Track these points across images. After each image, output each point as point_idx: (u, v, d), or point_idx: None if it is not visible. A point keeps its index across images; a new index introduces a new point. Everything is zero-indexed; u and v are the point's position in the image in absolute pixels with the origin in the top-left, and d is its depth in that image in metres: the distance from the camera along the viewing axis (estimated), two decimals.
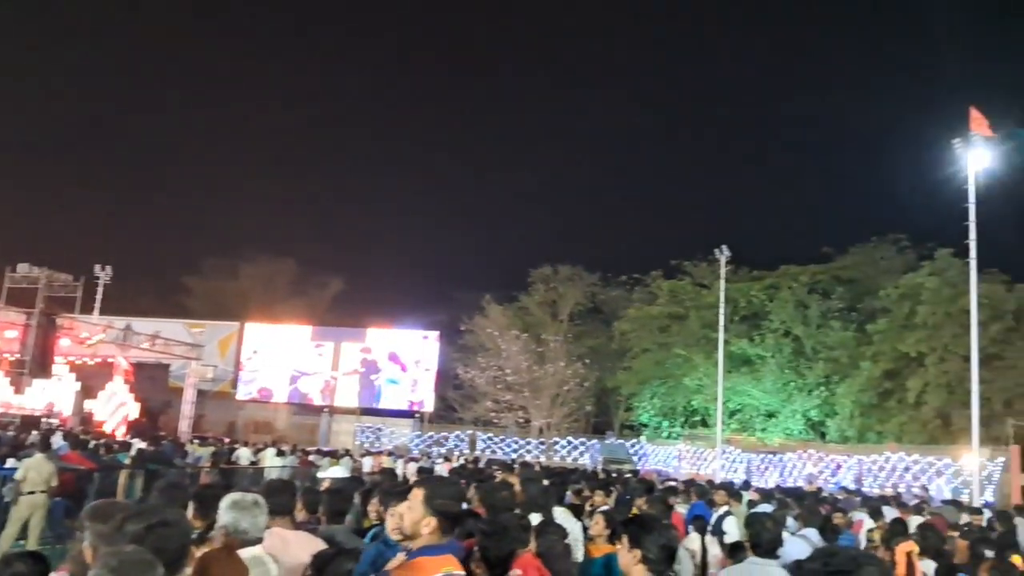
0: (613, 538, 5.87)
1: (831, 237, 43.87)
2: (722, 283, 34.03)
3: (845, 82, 78.79)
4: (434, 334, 45.83)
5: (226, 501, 4.13)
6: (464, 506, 6.95)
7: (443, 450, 38.50)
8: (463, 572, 3.51)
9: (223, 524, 4.04)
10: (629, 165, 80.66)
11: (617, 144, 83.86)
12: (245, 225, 73.32)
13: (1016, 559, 6.14)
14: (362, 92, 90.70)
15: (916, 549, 7.67)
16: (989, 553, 6.86)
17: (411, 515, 3.48)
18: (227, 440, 30.53)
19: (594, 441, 42.65)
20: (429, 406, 45.03)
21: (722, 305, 33.90)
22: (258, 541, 4.09)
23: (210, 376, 40.57)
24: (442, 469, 20.29)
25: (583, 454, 41.51)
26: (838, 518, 10.07)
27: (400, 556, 3.50)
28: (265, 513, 4.18)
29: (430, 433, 43.70)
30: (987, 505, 22.04)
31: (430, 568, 3.34)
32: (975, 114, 23.52)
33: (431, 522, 3.44)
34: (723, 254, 33.67)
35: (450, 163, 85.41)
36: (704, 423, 43.16)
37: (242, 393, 45.64)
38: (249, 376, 45.71)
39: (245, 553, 3.97)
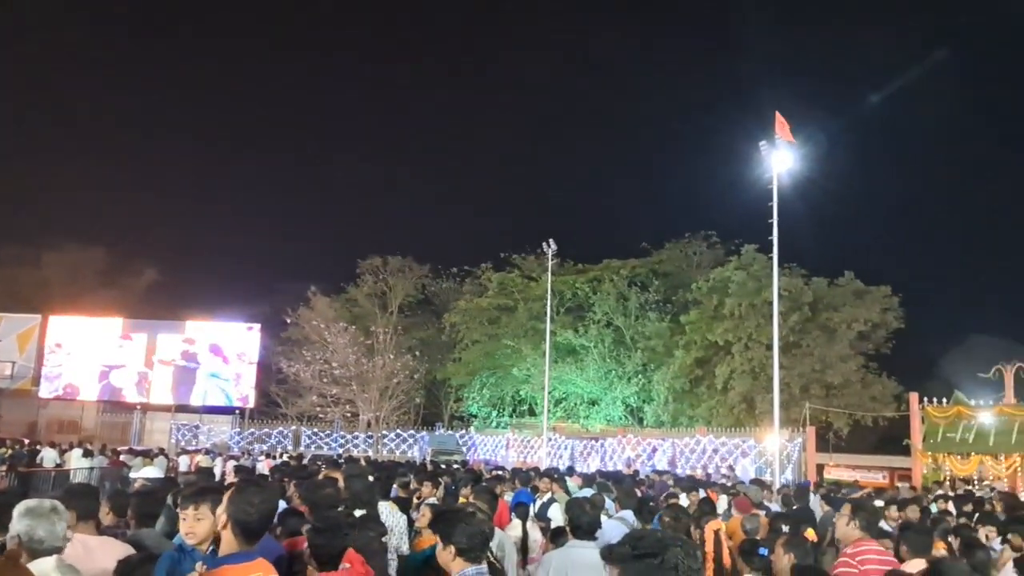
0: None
1: (649, 233, 45.99)
2: (549, 276, 34.82)
3: (665, 87, 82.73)
4: (257, 327, 44.24)
5: (19, 508, 3.81)
6: (284, 504, 6.73)
7: (265, 447, 37.25)
8: (276, 575, 3.40)
9: (15, 533, 3.72)
10: (462, 157, 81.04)
11: (450, 136, 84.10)
12: (48, 211, 67.76)
13: (809, 533, 6.61)
14: (177, 75, 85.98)
15: (723, 527, 8.14)
16: (787, 528, 7.37)
17: (205, 522, 3.31)
18: (27, 441, 28.27)
19: (423, 433, 42.62)
20: (251, 401, 43.45)
21: (549, 297, 34.72)
22: (57, 550, 3.77)
23: (7, 373, 37.31)
24: (263, 467, 19.62)
25: (412, 447, 41.39)
26: (673, 500, 10.45)
27: (199, 566, 3.30)
28: (64, 519, 3.86)
29: (251, 430, 42.22)
30: (786, 483, 23.84)
31: None
32: (779, 119, 25.07)
33: (227, 529, 3.31)
34: (550, 248, 34.42)
35: (276, 149, 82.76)
36: (531, 412, 44.14)
37: (45, 391, 42.33)
38: (53, 372, 42.45)
39: (40, 564, 3.64)
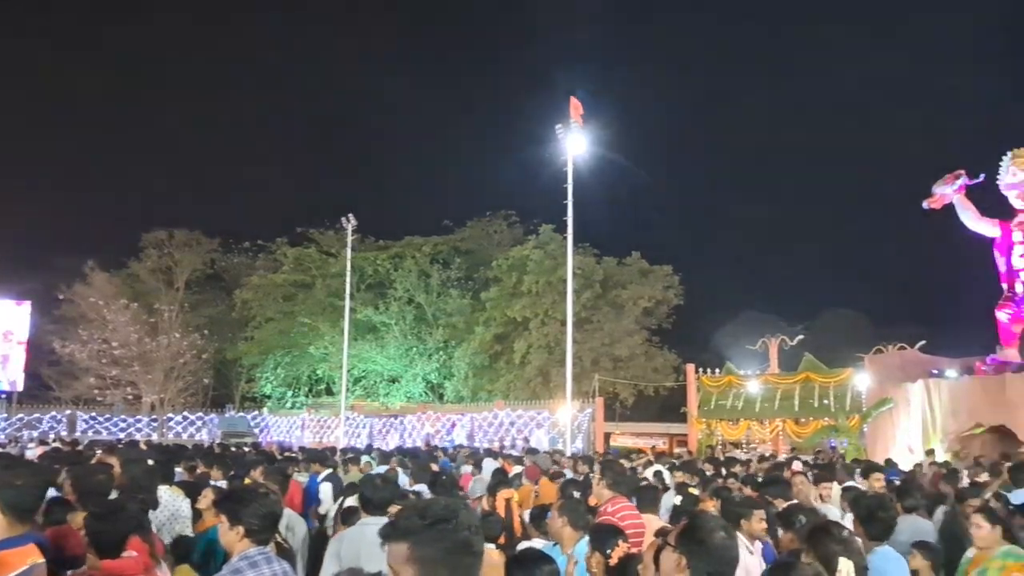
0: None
1: (452, 211, 46.22)
2: (348, 251, 34.23)
3: (468, 68, 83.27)
4: (27, 304, 40.44)
5: None
6: (55, 492, 6.18)
7: (36, 433, 34.22)
8: (44, 561, 3.28)
9: None
10: (257, 132, 77.55)
11: (242, 104, 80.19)
12: None
13: (592, 499, 6.89)
14: None
15: (515, 496, 8.37)
16: (578, 494, 7.68)
17: None
18: None
19: (212, 416, 40.79)
20: (20, 385, 39.72)
21: (348, 273, 34.15)
22: None
23: None
24: (34, 454, 17.97)
25: (200, 430, 39.53)
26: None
27: None
28: None
29: (20, 415, 38.65)
30: (577, 451, 24.93)
31: (15, 562, 3.14)
32: (574, 103, 25.86)
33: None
34: (350, 223, 33.80)
35: (46, 111, 75.42)
36: (329, 391, 43.38)
37: None
38: None
39: None
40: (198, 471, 9.97)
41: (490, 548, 5.70)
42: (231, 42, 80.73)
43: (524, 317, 36.95)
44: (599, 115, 28.39)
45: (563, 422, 27.03)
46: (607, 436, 36.36)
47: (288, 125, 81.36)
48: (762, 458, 18.99)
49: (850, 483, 9.88)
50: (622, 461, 13.49)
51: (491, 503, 7.90)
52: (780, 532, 6.31)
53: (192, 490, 7.51)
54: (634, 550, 4.44)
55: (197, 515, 6.62)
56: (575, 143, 25.45)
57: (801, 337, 25.83)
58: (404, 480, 9.41)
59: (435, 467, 12.03)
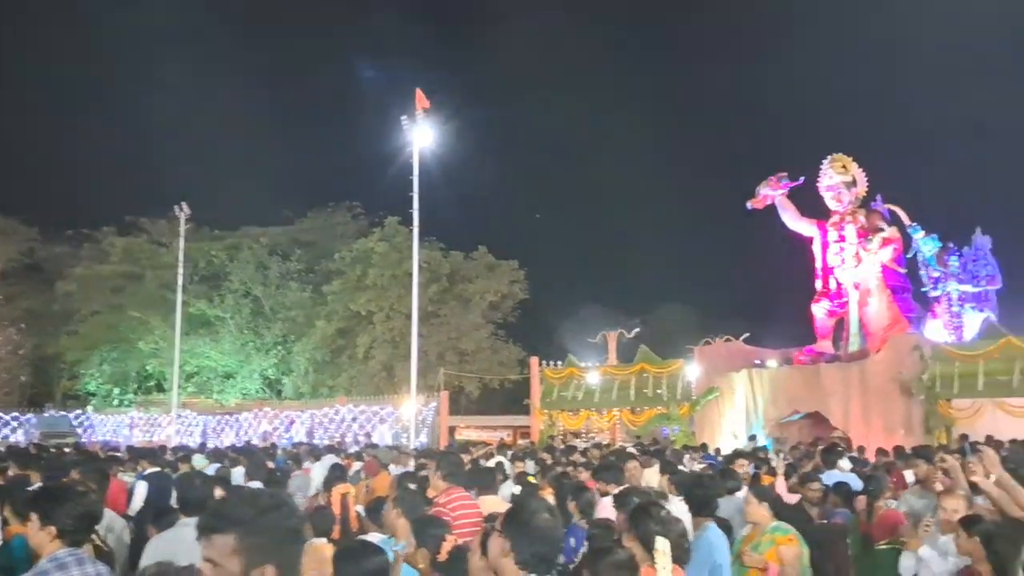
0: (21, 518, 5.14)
1: (292, 201, 44.87)
2: (181, 241, 32.54)
3: (311, 55, 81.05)
4: None
5: None
6: None
7: None
8: None
9: None
10: (82, 105, 72.33)
11: (62, 86, 74.63)
12: None
13: (430, 491, 6.90)
14: None
15: (352, 491, 8.21)
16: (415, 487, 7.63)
17: None
18: None
19: (30, 416, 37.87)
20: None
21: (181, 264, 32.47)
22: None
23: None
24: None
25: (16, 430, 36.60)
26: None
27: None
28: None
29: None
30: (421, 446, 24.84)
31: None
32: (420, 95, 25.67)
33: None
34: (183, 211, 32.17)
35: None
36: (160, 388, 41.27)
37: None
38: None
39: None
40: (9, 473, 9.23)
41: (322, 542, 5.55)
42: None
43: (368, 311, 36.45)
44: (446, 107, 28.33)
45: (407, 417, 26.87)
46: (452, 430, 36.43)
47: (118, 105, 76.50)
48: (598, 446, 19.63)
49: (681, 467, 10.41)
50: (462, 454, 13.57)
51: (326, 498, 7.72)
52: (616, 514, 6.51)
53: (4, 493, 6.91)
54: (467, 540, 4.43)
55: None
56: (421, 135, 25.30)
57: (637, 330, 26.87)
58: (239, 478, 9.04)
59: (271, 464, 11.64)
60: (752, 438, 18.40)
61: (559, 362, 25.40)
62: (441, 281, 36.39)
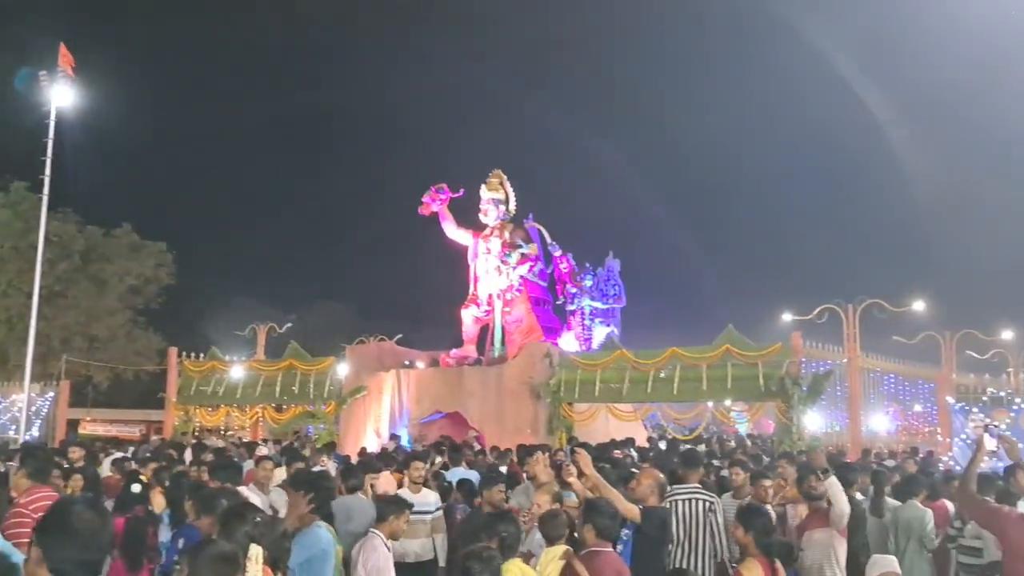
0: None
1: None
2: None
3: None
4: None
5: None
6: None
7: None
8: None
9: None
10: None
11: None
12: None
13: (13, 491, 6.19)
14: None
15: None
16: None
17: None
18: None
19: None
20: None
21: None
22: None
23: None
24: None
25: None
26: None
27: None
28: None
29: None
30: (31, 439, 22.08)
31: None
32: (64, 51, 23.05)
33: None
34: None
35: None
36: None
37: None
38: None
39: None
40: None
41: None
42: None
43: None
44: (97, 69, 25.65)
45: (19, 407, 23.84)
46: (75, 423, 32.99)
47: None
48: (239, 443, 18.88)
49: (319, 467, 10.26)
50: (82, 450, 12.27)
51: None
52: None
53: None
54: None
55: None
56: (61, 94, 22.74)
57: (290, 325, 26.19)
58: None
59: None
60: (395, 437, 18.75)
61: (202, 354, 23.96)
62: (73, 258, 32.69)
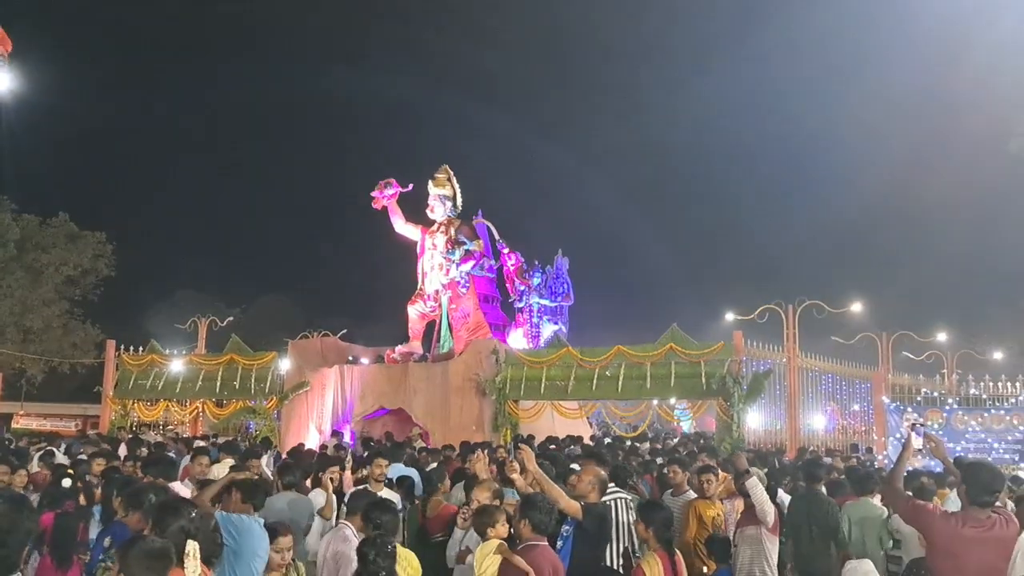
0: None
1: None
2: None
3: None
4: None
5: None
6: None
7: None
8: None
9: None
10: None
11: None
12: None
13: None
14: None
15: None
16: None
17: None
18: None
19: None
20: None
21: None
22: None
23: None
24: None
25: None
26: None
27: None
28: None
29: None
30: None
31: None
32: (1, 33, 22.32)
33: None
34: None
35: None
36: None
37: None
38: None
39: None
40: None
41: None
42: None
43: None
44: (35, 53, 24.91)
45: None
46: (7, 417, 32.14)
47: None
48: (177, 437, 18.58)
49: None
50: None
51: None
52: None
53: None
54: None
55: None
56: None
57: (232, 319, 25.75)
58: None
59: None
60: (336, 434, 18.56)
61: (142, 348, 23.42)
62: (8, 247, 31.62)
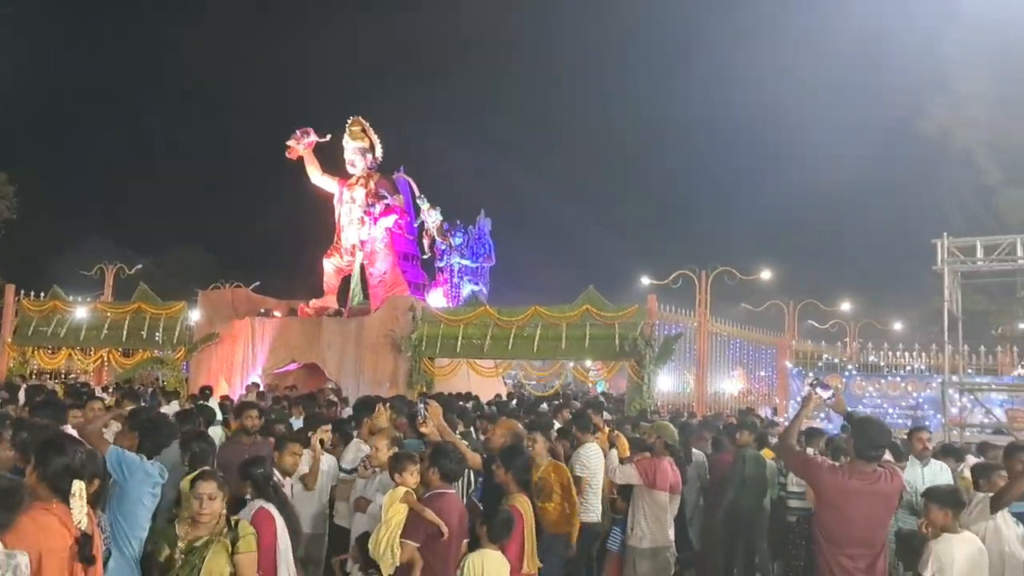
0: None
1: None
2: None
3: None
4: None
5: None
6: None
7: None
8: None
9: None
10: None
11: None
12: None
13: None
14: None
15: None
16: None
17: None
18: None
19: None
20: None
21: None
22: None
23: None
24: None
25: None
26: None
27: None
28: None
29: None
30: None
31: None
32: None
33: None
34: None
35: None
36: None
37: None
38: None
39: None
40: None
41: None
42: None
43: None
44: None
45: None
46: None
47: None
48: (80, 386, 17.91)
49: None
50: None
51: None
52: None
53: None
54: None
55: None
56: None
57: (140, 267, 24.93)
58: None
59: None
60: (254, 385, 18.19)
61: (44, 294, 22.49)
62: None
